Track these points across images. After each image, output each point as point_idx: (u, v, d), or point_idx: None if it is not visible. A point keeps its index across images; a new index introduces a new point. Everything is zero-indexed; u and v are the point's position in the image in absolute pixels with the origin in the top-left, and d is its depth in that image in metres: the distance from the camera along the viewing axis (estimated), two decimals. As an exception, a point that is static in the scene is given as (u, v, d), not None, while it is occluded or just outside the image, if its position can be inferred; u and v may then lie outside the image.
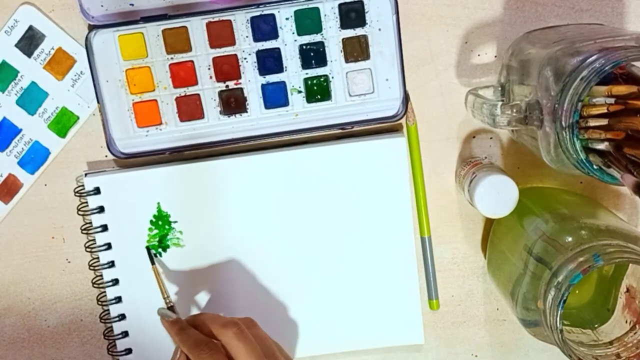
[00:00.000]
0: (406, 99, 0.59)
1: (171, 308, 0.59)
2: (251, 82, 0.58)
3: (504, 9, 0.59)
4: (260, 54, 0.58)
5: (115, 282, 0.61)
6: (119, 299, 0.61)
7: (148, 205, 0.60)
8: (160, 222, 0.60)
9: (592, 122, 0.46)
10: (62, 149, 0.60)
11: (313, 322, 0.62)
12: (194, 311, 0.61)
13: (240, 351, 0.49)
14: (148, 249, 0.60)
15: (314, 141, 0.60)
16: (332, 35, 0.58)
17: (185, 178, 0.59)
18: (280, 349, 0.53)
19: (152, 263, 0.60)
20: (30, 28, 0.58)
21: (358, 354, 0.63)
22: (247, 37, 0.57)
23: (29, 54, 0.59)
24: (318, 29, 0.58)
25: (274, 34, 0.57)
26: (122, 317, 0.61)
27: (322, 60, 0.58)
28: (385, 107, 0.59)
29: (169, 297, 0.59)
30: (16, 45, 0.58)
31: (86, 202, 0.60)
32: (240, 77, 0.58)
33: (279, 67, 0.58)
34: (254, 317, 0.60)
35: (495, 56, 0.60)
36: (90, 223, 0.60)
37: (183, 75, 0.58)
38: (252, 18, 0.57)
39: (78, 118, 0.60)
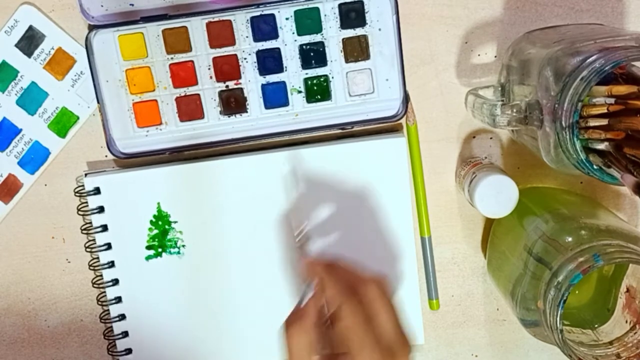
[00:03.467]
0: (406, 99, 0.59)
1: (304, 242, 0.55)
2: (251, 82, 0.58)
3: (504, 9, 0.59)
4: (260, 54, 0.58)
5: (115, 282, 0.61)
6: (119, 299, 0.61)
7: (148, 205, 0.60)
8: (160, 222, 0.60)
9: (592, 122, 0.46)
10: (62, 149, 0.60)
11: (313, 322, 0.62)
12: (195, 311, 0.61)
13: (380, 309, 0.46)
14: (289, 166, 0.54)
15: (314, 141, 0.60)
16: (332, 35, 0.58)
17: (185, 178, 0.59)
18: None
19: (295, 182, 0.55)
20: (30, 28, 0.58)
21: (358, 354, 0.63)
22: (247, 37, 0.57)
23: (29, 54, 0.59)
24: (318, 29, 0.58)
25: (274, 34, 0.57)
26: (122, 317, 0.61)
27: (322, 60, 0.58)
28: (385, 107, 0.59)
29: (303, 230, 0.55)
30: (16, 45, 0.58)
31: (86, 202, 0.60)
32: (240, 77, 0.58)
33: (279, 67, 0.58)
34: (254, 316, 0.60)
35: (495, 56, 0.60)
36: (90, 223, 0.60)
37: (183, 75, 0.58)
38: (252, 18, 0.57)
39: (78, 118, 0.60)
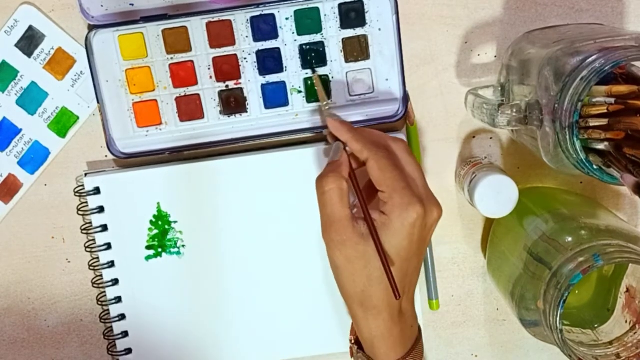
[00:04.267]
0: (406, 99, 0.59)
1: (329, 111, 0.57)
2: (251, 82, 0.58)
3: (504, 9, 0.59)
4: (260, 54, 0.58)
5: (115, 282, 0.61)
6: (119, 299, 0.61)
7: (148, 205, 0.60)
8: (160, 222, 0.60)
9: (592, 122, 0.46)
10: (62, 149, 0.60)
11: (313, 322, 0.62)
12: (194, 311, 0.61)
13: (409, 164, 0.49)
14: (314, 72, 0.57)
15: (314, 141, 0.60)
16: (332, 35, 0.58)
17: (185, 178, 0.59)
18: None
19: (314, 72, 0.57)
20: (30, 28, 0.58)
21: (358, 354, 0.63)
22: (247, 37, 0.57)
23: (29, 54, 0.59)
24: (318, 29, 0.58)
25: (274, 34, 0.57)
26: (122, 317, 0.61)
27: (322, 60, 0.58)
28: (385, 107, 0.59)
29: (328, 101, 0.57)
30: (16, 45, 0.58)
31: (86, 202, 0.60)
32: (240, 77, 0.58)
33: (279, 67, 0.58)
34: (255, 316, 0.60)
35: (495, 56, 0.60)
36: (90, 223, 0.60)
37: (183, 75, 0.58)
38: (252, 18, 0.57)
39: (78, 118, 0.60)
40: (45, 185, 0.61)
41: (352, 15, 0.57)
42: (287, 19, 0.57)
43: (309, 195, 0.60)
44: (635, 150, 0.45)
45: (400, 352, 0.50)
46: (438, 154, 0.61)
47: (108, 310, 0.61)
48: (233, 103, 0.59)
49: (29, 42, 0.58)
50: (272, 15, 0.57)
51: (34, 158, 0.60)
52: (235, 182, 0.59)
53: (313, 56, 0.58)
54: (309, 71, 0.58)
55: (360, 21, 0.57)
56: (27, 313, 0.63)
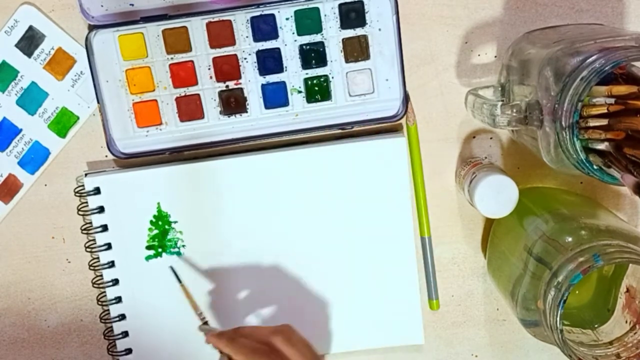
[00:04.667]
0: (406, 99, 0.59)
1: (206, 323, 0.59)
2: (251, 82, 0.58)
3: (504, 9, 0.59)
4: (260, 54, 0.58)
5: (115, 282, 0.61)
6: (119, 299, 0.61)
7: (148, 205, 0.60)
8: (160, 222, 0.60)
9: (592, 122, 0.46)
10: (62, 149, 0.60)
11: (313, 322, 0.62)
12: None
13: (293, 355, 0.50)
14: (172, 268, 0.60)
15: (314, 141, 0.60)
16: (332, 35, 0.58)
17: (185, 178, 0.59)
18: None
19: (180, 281, 0.59)
20: (30, 28, 0.58)
21: (358, 354, 0.63)
22: (247, 37, 0.57)
23: (29, 54, 0.59)
24: (318, 29, 0.58)
25: (274, 34, 0.57)
26: (122, 317, 0.61)
27: (322, 60, 0.58)
28: (385, 107, 0.59)
29: (202, 313, 0.59)
30: (16, 45, 0.58)
31: (86, 202, 0.60)
32: (240, 77, 0.58)
33: (279, 67, 0.58)
34: (254, 317, 0.60)
35: (495, 56, 0.60)
36: (90, 223, 0.60)
37: (183, 75, 0.58)
38: (252, 18, 0.57)
39: (78, 118, 0.60)
40: (45, 185, 0.61)
41: (352, 15, 0.57)
42: (287, 19, 0.57)
43: (308, 195, 0.60)
44: (635, 151, 0.45)
45: None
46: (438, 154, 0.61)
47: (108, 310, 0.61)
48: (233, 103, 0.59)
49: (29, 42, 0.58)
50: (272, 16, 0.57)
51: (34, 158, 0.60)
52: (236, 182, 0.59)
53: (313, 56, 0.58)
54: (309, 71, 0.58)
55: (360, 21, 0.57)
56: (27, 313, 0.63)
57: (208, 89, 0.58)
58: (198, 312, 0.59)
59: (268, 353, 0.50)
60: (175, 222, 0.60)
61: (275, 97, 0.59)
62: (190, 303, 0.59)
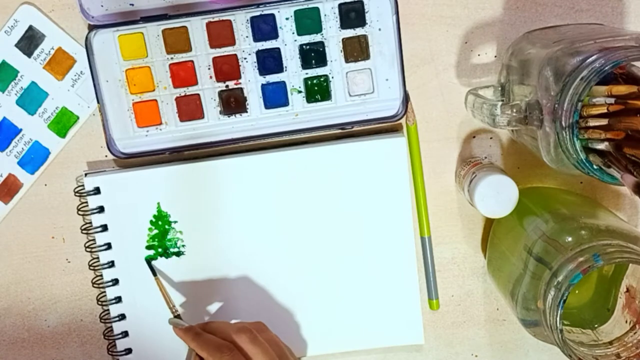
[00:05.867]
0: (406, 99, 0.59)
1: (178, 317, 0.59)
2: (251, 82, 0.58)
3: (504, 9, 0.59)
4: (260, 54, 0.58)
5: (115, 282, 0.61)
6: (119, 299, 0.61)
7: (148, 205, 0.60)
8: (160, 222, 0.60)
9: (592, 122, 0.46)
10: (62, 149, 0.60)
11: (313, 322, 0.62)
12: (195, 311, 0.61)
13: (256, 355, 0.50)
14: (148, 261, 0.60)
15: (314, 141, 0.60)
16: (332, 35, 0.58)
17: (185, 178, 0.59)
18: (290, 351, 0.54)
19: (155, 275, 0.60)
20: (30, 28, 0.58)
21: (358, 354, 0.63)
22: (247, 37, 0.57)
23: (29, 54, 0.59)
24: (318, 29, 0.58)
25: (274, 34, 0.57)
26: (122, 317, 0.61)
27: (322, 60, 0.58)
28: (385, 107, 0.59)
29: (175, 307, 0.59)
30: (16, 45, 0.58)
31: (86, 202, 0.60)
32: (240, 77, 0.58)
33: (279, 67, 0.58)
34: (254, 317, 0.60)
35: (495, 56, 0.60)
36: (90, 223, 0.60)
37: (183, 75, 0.58)
38: (252, 18, 0.57)
39: (78, 118, 0.60)
40: (45, 185, 0.61)
41: (352, 15, 0.57)
42: (287, 19, 0.57)
43: (309, 195, 0.60)
44: (635, 150, 0.45)
45: None
46: (438, 154, 0.61)
47: (108, 310, 0.61)
48: (233, 103, 0.59)
49: (29, 42, 0.58)
50: (272, 15, 0.57)
51: (34, 158, 0.60)
52: (235, 182, 0.59)
53: (313, 56, 0.58)
54: (309, 71, 0.58)
55: (360, 21, 0.57)
56: (27, 313, 0.63)
57: (208, 89, 0.58)
58: (171, 305, 0.59)
59: (231, 350, 0.50)
60: (175, 222, 0.60)
61: (275, 97, 0.59)
62: (164, 296, 0.59)
